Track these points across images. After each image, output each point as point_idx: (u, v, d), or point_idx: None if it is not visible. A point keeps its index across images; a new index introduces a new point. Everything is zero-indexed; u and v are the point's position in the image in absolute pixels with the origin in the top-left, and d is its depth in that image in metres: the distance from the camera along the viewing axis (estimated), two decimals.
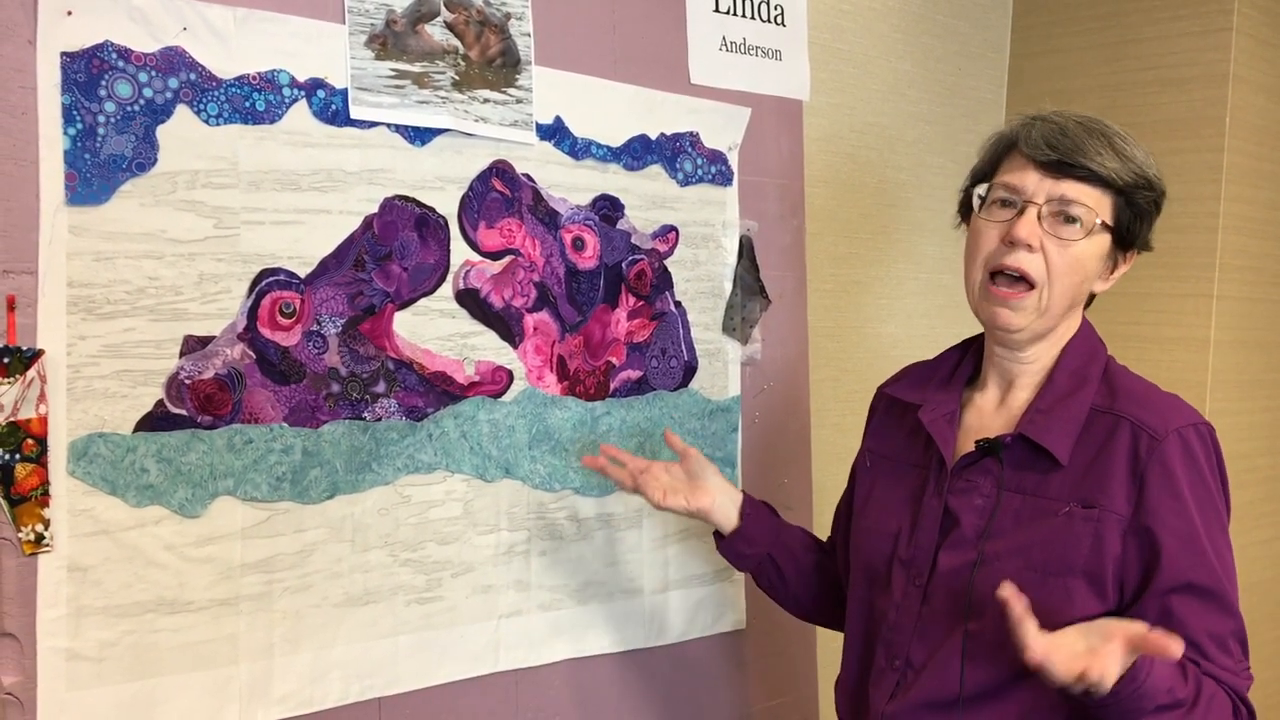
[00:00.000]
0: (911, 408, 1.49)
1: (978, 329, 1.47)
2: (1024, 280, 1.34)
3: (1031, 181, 1.34)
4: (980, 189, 1.40)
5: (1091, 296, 1.41)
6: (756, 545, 1.61)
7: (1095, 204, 1.33)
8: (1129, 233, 1.36)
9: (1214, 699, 1.25)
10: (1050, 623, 1.26)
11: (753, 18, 1.97)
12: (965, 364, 1.50)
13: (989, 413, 1.44)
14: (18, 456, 1.26)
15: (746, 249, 1.96)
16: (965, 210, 1.45)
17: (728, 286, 1.93)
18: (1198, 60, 2.32)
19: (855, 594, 1.51)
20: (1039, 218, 1.33)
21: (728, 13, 1.93)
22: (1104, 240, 1.35)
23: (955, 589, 1.35)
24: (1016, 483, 1.35)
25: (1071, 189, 1.32)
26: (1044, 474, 1.34)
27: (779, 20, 2.01)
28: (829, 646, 2.24)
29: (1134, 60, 2.42)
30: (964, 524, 1.36)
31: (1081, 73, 2.50)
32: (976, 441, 1.38)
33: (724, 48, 1.93)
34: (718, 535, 1.63)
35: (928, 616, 1.38)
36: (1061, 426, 1.34)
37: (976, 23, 2.55)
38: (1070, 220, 1.33)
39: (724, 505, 1.60)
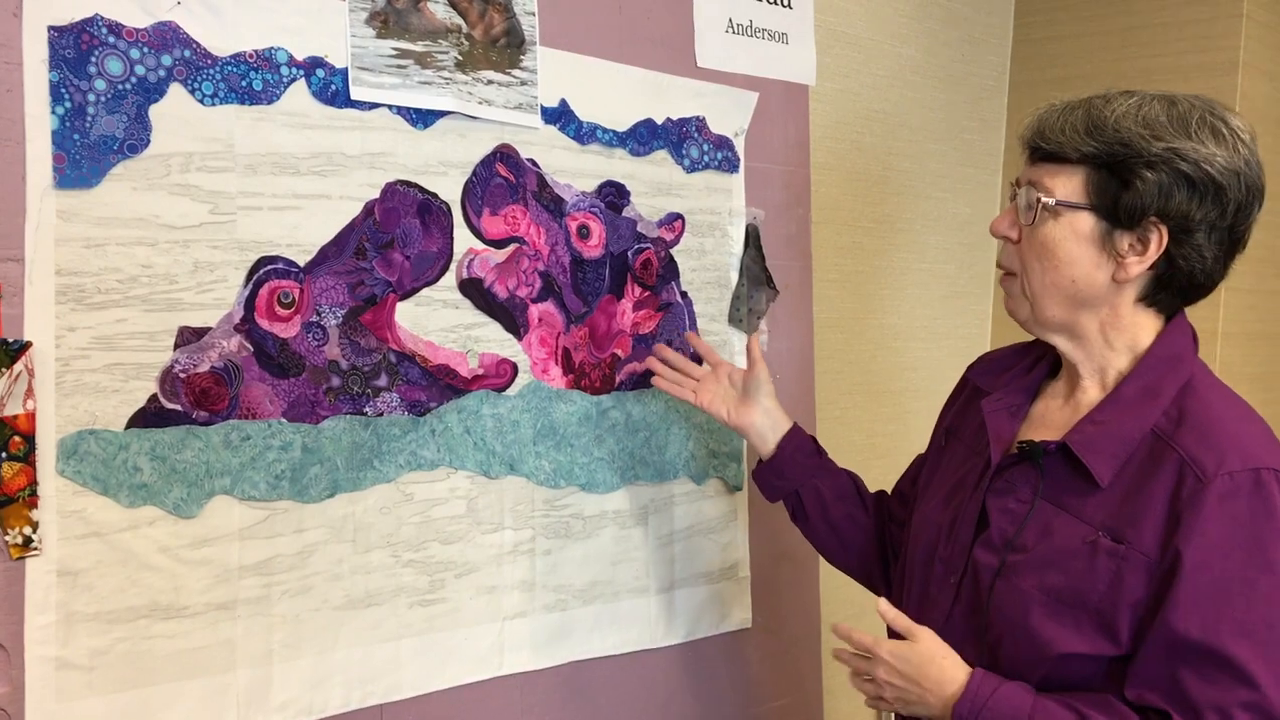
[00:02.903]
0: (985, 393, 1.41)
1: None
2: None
3: (1022, 172, 1.30)
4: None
5: (1166, 300, 1.27)
6: (785, 480, 1.61)
7: (1059, 184, 1.25)
8: (1118, 206, 1.22)
9: None
10: (1052, 653, 1.21)
11: (759, 0, 1.91)
12: (1053, 354, 1.39)
13: (1055, 408, 1.35)
14: (4, 455, 1.19)
15: (753, 238, 1.90)
16: None
17: (734, 276, 1.88)
18: (1207, 47, 2.28)
19: (901, 575, 1.46)
20: (1015, 208, 1.30)
21: None
22: (1078, 221, 1.25)
23: (979, 593, 1.30)
24: (1055, 494, 1.26)
25: (1038, 171, 1.27)
26: (1084, 491, 1.24)
27: (785, 3, 1.95)
28: (833, 644, 2.20)
29: (1141, 47, 2.38)
30: (992, 526, 1.30)
31: (1086, 59, 2.46)
32: (1019, 443, 1.31)
33: (731, 30, 1.87)
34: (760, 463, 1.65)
35: (957, 617, 1.33)
36: (1110, 445, 1.23)
37: (980, 7, 2.50)
38: (1028, 205, 1.27)
39: (762, 430, 1.61)
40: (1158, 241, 1.23)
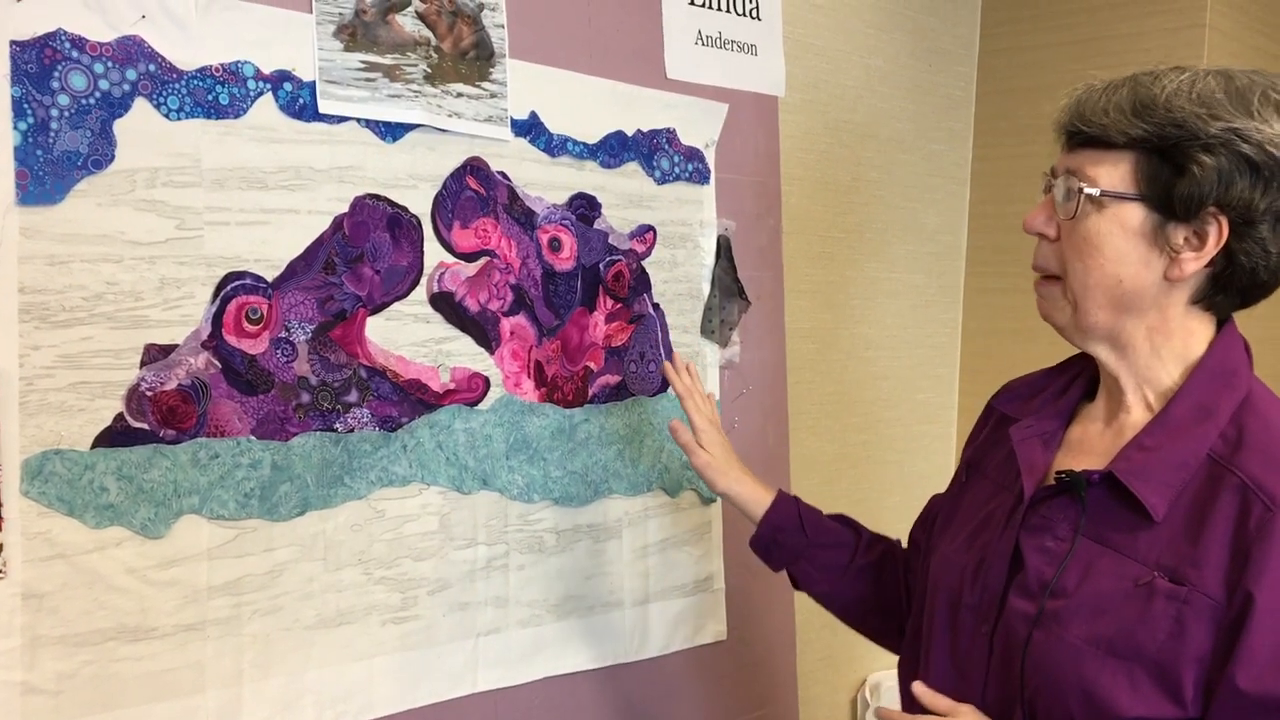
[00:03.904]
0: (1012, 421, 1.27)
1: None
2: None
3: (1058, 160, 1.16)
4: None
5: (1223, 302, 1.14)
6: (773, 560, 1.53)
7: (1103, 172, 1.11)
8: (1172, 196, 1.08)
9: None
10: (1102, 716, 1.06)
11: (728, 11, 1.91)
12: (1088, 373, 1.25)
13: (1095, 432, 1.20)
14: None
15: (724, 249, 1.90)
16: None
17: (706, 288, 1.87)
18: (1170, 57, 2.26)
19: (918, 626, 1.32)
20: (1053, 201, 1.15)
21: (703, 6, 1.87)
22: (1125, 212, 1.11)
23: (1016, 644, 1.14)
24: (1097, 530, 1.12)
25: (1078, 159, 1.13)
26: (1133, 527, 1.10)
27: (754, 14, 1.96)
28: (808, 655, 2.20)
29: (1106, 57, 2.39)
30: (1028, 568, 1.15)
31: (1052, 69, 2.47)
32: (1057, 473, 1.15)
33: (700, 42, 1.87)
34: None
35: (995, 674, 1.17)
36: (1163, 472, 1.09)
37: (946, 18, 2.51)
38: (1067, 196, 1.13)
39: (744, 504, 1.52)
40: (1217, 234, 1.09)
